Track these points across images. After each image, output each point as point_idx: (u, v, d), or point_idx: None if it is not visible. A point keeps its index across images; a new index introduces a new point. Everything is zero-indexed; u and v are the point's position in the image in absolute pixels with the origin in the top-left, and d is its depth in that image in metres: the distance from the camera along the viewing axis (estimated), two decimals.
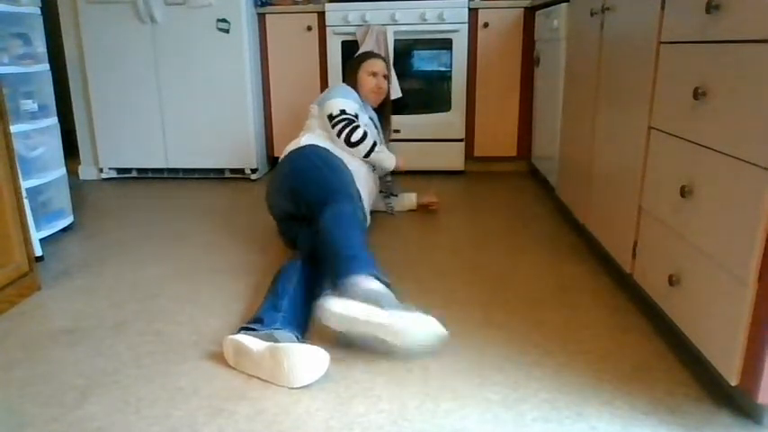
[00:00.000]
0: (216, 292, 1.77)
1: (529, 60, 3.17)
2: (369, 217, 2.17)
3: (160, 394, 1.25)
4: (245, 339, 1.32)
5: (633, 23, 1.59)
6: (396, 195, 2.57)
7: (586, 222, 2.03)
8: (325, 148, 2.08)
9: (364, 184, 2.15)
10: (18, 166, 1.76)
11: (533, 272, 1.89)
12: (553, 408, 1.18)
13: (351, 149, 2.15)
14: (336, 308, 1.27)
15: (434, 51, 3.17)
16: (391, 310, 1.23)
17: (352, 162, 2.13)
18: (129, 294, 1.77)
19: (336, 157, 2.07)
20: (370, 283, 1.36)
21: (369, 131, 2.20)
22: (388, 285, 1.40)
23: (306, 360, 1.24)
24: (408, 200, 2.61)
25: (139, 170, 3.39)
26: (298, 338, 1.37)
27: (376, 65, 2.40)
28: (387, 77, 2.44)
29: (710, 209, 1.16)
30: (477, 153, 3.32)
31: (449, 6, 3.06)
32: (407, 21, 3.11)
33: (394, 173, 2.44)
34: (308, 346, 1.27)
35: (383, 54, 3.10)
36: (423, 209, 2.61)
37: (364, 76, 2.39)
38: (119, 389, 1.27)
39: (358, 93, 2.35)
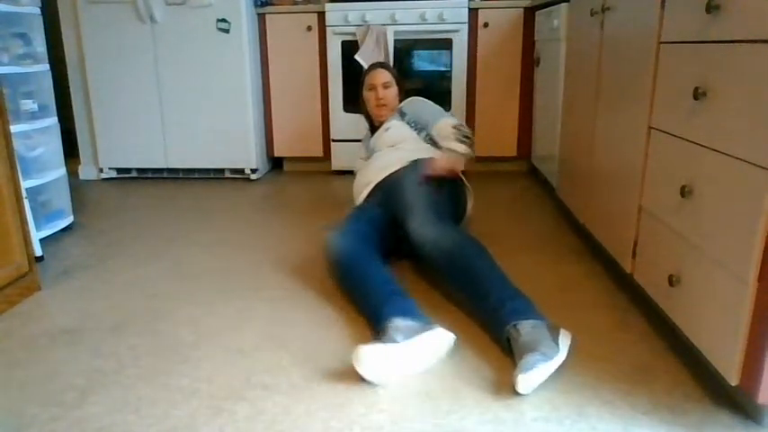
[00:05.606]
0: (215, 292, 1.77)
1: (529, 60, 3.17)
2: None
3: (160, 394, 1.25)
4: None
5: (633, 23, 1.59)
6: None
7: (586, 222, 2.03)
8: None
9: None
10: (18, 166, 1.76)
11: (533, 272, 1.89)
12: (553, 408, 1.18)
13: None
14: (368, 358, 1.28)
15: (434, 51, 3.17)
16: (405, 340, 1.29)
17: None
18: (129, 294, 1.77)
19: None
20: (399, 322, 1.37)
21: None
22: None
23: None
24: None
25: (139, 170, 3.39)
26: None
27: (372, 77, 2.29)
28: (389, 84, 2.28)
29: (710, 209, 1.16)
30: (477, 153, 3.32)
31: (449, 6, 3.06)
32: (407, 21, 3.11)
33: None
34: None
35: (383, 54, 3.10)
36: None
37: (365, 95, 2.32)
38: (119, 389, 1.27)
39: (368, 115, 2.32)
